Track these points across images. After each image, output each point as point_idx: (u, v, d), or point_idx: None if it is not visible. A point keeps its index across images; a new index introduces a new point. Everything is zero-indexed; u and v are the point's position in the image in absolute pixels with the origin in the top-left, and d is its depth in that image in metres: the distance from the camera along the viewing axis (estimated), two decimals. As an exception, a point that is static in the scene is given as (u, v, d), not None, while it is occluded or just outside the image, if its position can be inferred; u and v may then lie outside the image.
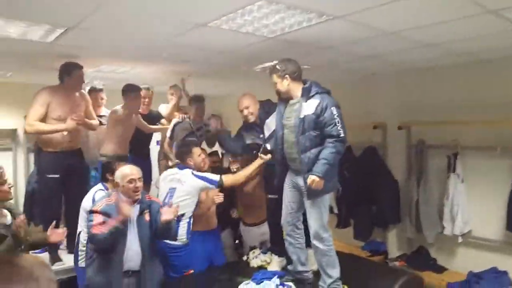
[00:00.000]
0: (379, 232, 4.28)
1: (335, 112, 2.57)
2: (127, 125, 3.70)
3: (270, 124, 3.24)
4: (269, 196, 3.52)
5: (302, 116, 2.63)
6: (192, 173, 3.16)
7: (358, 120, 3.99)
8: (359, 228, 4.26)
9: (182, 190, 3.08)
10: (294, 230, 2.96)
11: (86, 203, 2.99)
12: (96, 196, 3.00)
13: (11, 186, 2.59)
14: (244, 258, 3.54)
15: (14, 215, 2.54)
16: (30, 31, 2.44)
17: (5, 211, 2.50)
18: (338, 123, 2.56)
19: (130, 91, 3.59)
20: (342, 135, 2.56)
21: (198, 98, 3.96)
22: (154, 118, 4.17)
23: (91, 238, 2.53)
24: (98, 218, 2.53)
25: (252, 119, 3.36)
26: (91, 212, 2.60)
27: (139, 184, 2.68)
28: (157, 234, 2.74)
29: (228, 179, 3.21)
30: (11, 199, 2.62)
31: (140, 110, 3.87)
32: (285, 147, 2.83)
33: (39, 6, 2.02)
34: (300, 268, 3.00)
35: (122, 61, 3.50)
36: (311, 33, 2.51)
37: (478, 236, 3.52)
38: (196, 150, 3.33)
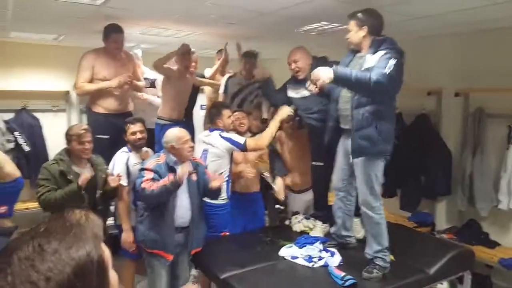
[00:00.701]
0: (427, 204, 4.13)
1: (392, 62, 2.32)
2: (180, 86, 3.72)
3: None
4: (314, 163, 3.48)
5: (363, 69, 2.46)
6: (220, 135, 3.19)
7: (411, 85, 3.75)
8: (406, 198, 4.13)
9: (212, 152, 3.13)
10: (346, 196, 2.91)
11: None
12: (117, 157, 3.11)
13: (87, 148, 2.77)
14: (287, 222, 3.57)
15: (96, 169, 2.83)
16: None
17: (88, 164, 2.82)
18: (389, 67, 2.31)
19: (182, 50, 3.63)
20: (385, 71, 2.30)
21: (249, 54, 3.90)
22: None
23: (140, 192, 2.62)
24: (148, 175, 2.63)
25: (300, 75, 3.24)
26: (142, 169, 2.69)
27: (192, 144, 2.81)
28: (205, 194, 2.86)
29: (251, 143, 3.19)
30: (86, 157, 2.83)
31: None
32: (340, 103, 2.70)
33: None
34: (343, 232, 2.97)
35: (169, 23, 3.47)
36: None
37: (536, 212, 3.30)
38: (226, 112, 3.32)
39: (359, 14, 2.52)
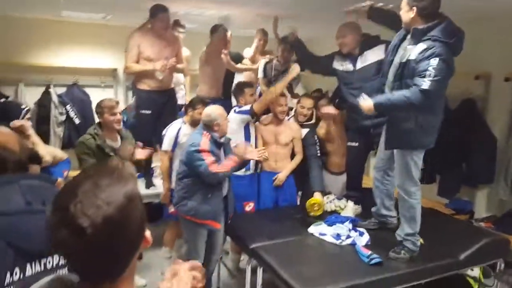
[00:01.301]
0: (467, 191, 3.98)
1: (433, 63, 2.23)
2: (217, 64, 3.82)
3: (368, 56, 3.13)
4: (349, 143, 3.47)
5: (404, 60, 2.40)
6: (234, 110, 3.36)
7: (457, 69, 3.60)
8: (445, 184, 4.01)
9: (231, 128, 3.18)
10: (384, 176, 2.90)
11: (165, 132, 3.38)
12: (169, 129, 3.38)
13: (119, 119, 2.93)
14: (318, 202, 3.61)
15: (125, 141, 2.98)
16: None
17: (118, 136, 2.96)
18: (429, 76, 2.24)
19: (216, 30, 3.75)
20: (424, 87, 2.24)
21: (286, 40, 3.88)
22: (233, 59, 4.23)
23: (211, 176, 2.74)
24: (209, 157, 2.76)
25: (345, 49, 3.23)
26: (199, 151, 2.77)
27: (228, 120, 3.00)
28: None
29: (257, 105, 3.33)
30: (118, 129, 2.97)
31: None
32: (387, 85, 2.62)
33: None
34: (384, 211, 2.96)
35: (208, 2, 3.54)
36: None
37: None
38: (248, 91, 3.50)
39: None
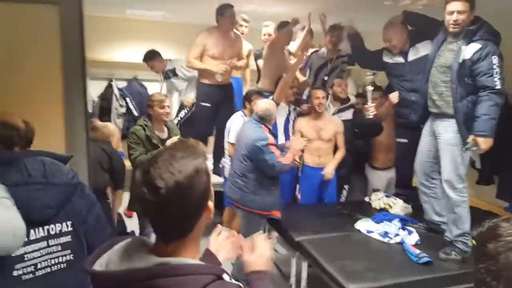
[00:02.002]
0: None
1: (495, 61, 2.31)
2: (279, 59, 3.88)
3: (420, 49, 3.14)
4: (398, 140, 3.40)
5: (461, 61, 2.42)
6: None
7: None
8: (504, 186, 3.78)
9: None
10: (429, 180, 2.85)
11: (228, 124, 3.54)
12: (233, 121, 3.50)
13: (168, 112, 3.12)
14: (366, 199, 3.58)
15: (170, 132, 3.14)
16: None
17: (165, 128, 3.13)
18: (496, 74, 2.31)
19: (282, 27, 3.84)
20: (498, 86, 2.32)
21: (335, 27, 3.89)
22: None
23: (279, 167, 2.85)
24: (277, 150, 2.90)
25: (394, 50, 3.27)
26: (267, 145, 2.86)
27: None
28: None
29: (276, 95, 3.37)
30: (166, 121, 3.15)
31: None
32: (429, 86, 2.67)
33: None
34: (435, 217, 2.90)
35: (264, 1, 3.61)
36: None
37: None
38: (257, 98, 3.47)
39: None
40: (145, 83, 5.32)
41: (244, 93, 4.01)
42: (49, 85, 1.98)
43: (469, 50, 2.38)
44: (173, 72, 4.54)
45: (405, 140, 3.34)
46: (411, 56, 3.19)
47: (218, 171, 3.98)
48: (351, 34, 3.66)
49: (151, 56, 4.41)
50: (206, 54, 3.69)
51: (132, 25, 5.16)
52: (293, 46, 4.32)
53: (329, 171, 3.43)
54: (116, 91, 5.16)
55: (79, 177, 1.56)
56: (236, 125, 3.47)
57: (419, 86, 2.95)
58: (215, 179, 3.88)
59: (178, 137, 3.09)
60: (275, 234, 3.10)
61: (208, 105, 3.80)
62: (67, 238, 1.47)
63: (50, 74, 1.97)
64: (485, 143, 2.38)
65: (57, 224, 1.44)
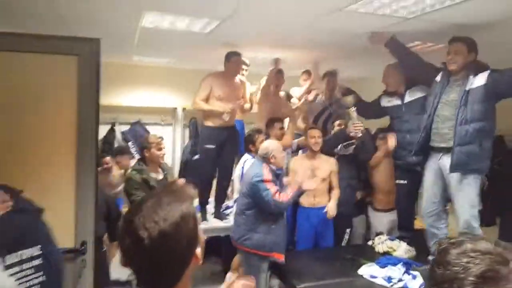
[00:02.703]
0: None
1: None
2: (275, 103, 4.06)
3: (416, 91, 3.25)
4: (398, 181, 3.44)
5: (467, 89, 2.60)
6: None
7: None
8: (506, 227, 3.80)
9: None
10: (437, 220, 2.86)
11: (237, 171, 3.56)
12: (245, 164, 3.49)
13: (164, 154, 3.19)
14: (370, 242, 3.55)
15: (166, 174, 3.18)
16: (193, 24, 2.91)
17: (160, 169, 3.17)
18: None
19: (277, 72, 4.05)
20: None
21: (330, 73, 4.07)
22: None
23: (277, 204, 2.85)
24: (273, 187, 2.88)
25: (389, 88, 3.42)
26: (263, 181, 2.89)
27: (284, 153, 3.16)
28: None
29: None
30: (162, 162, 3.20)
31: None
32: (436, 122, 2.77)
33: (201, 2, 2.39)
34: None
35: (264, 47, 3.82)
36: (454, 12, 2.34)
37: None
38: (259, 137, 3.59)
39: (468, 40, 2.63)
40: (148, 127, 5.44)
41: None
42: (62, 134, 2.05)
43: (479, 79, 2.57)
44: None
45: (404, 181, 3.38)
46: (408, 98, 3.31)
47: (219, 215, 3.98)
48: (345, 91, 3.82)
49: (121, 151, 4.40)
50: (213, 95, 3.78)
51: (139, 71, 5.35)
52: (296, 91, 4.54)
53: (332, 208, 3.36)
54: (118, 135, 5.25)
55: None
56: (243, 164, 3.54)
57: (415, 127, 3.08)
58: (216, 223, 3.89)
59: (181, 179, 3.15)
60: (276, 282, 3.03)
61: (213, 146, 3.83)
62: (39, 261, 1.59)
63: (63, 123, 2.04)
64: None
65: (29, 249, 1.57)
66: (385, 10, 2.40)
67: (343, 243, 3.61)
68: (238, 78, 4.01)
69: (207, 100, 3.78)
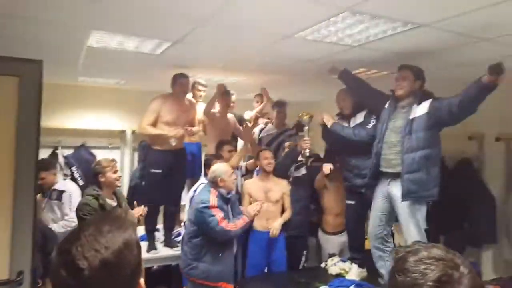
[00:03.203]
0: (473, 252, 3.96)
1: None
2: (223, 125, 4.02)
3: (358, 118, 3.41)
4: (347, 202, 3.52)
5: (411, 118, 2.71)
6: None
7: (452, 130, 3.79)
8: (449, 245, 3.82)
9: None
10: (383, 243, 2.94)
11: (190, 194, 3.44)
12: (198, 188, 3.37)
13: (120, 176, 3.06)
14: (323, 265, 3.57)
15: (119, 199, 3.04)
16: (143, 45, 2.84)
17: (113, 196, 3.02)
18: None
19: (223, 94, 4.04)
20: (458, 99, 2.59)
21: (279, 103, 4.14)
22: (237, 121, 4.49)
23: (221, 232, 2.76)
24: (219, 213, 2.80)
25: (344, 111, 3.54)
26: (209, 207, 2.82)
27: (235, 176, 3.09)
28: None
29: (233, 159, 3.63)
30: (118, 186, 3.07)
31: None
32: (384, 147, 2.87)
33: (151, 23, 2.35)
34: None
35: (216, 70, 3.82)
36: (397, 41, 2.50)
37: None
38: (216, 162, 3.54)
39: (413, 68, 2.79)
40: (94, 150, 5.18)
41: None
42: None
43: (421, 108, 2.69)
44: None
45: (352, 202, 3.48)
46: (352, 124, 3.46)
47: (170, 242, 3.83)
48: (299, 126, 3.93)
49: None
50: (161, 121, 3.68)
51: (85, 92, 5.14)
52: (249, 114, 4.58)
53: (275, 227, 3.33)
54: (61, 160, 4.94)
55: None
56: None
57: (358, 150, 3.24)
58: (166, 251, 3.74)
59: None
60: None
61: (159, 171, 3.70)
62: None
63: (0, 146, 1.89)
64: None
65: None
66: (332, 38, 2.50)
67: (301, 266, 3.61)
68: (187, 100, 3.93)
69: (155, 123, 3.67)
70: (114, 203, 2.99)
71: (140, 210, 3.08)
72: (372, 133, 3.15)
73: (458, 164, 3.97)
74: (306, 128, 3.59)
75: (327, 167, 3.58)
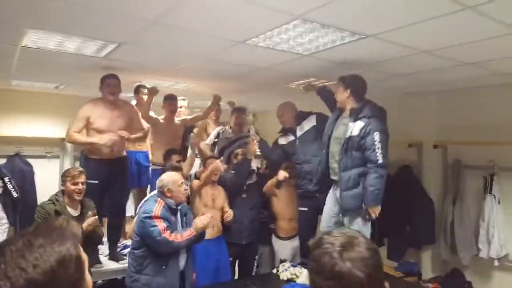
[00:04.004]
0: (413, 253, 4.18)
1: (377, 138, 2.68)
2: (172, 131, 3.89)
3: (304, 125, 3.57)
4: (300, 208, 3.57)
5: (347, 136, 2.77)
6: None
7: (393, 138, 3.98)
8: (392, 248, 4.17)
9: None
10: None
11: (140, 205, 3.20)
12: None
13: (80, 189, 2.87)
14: (274, 270, 3.57)
15: (84, 212, 2.91)
16: (85, 46, 2.68)
17: (79, 206, 2.93)
18: (378, 149, 2.66)
19: (167, 99, 3.97)
20: (380, 161, 2.66)
21: (238, 109, 4.13)
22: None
23: (163, 243, 2.62)
24: (162, 223, 2.66)
25: (286, 125, 3.71)
26: (151, 217, 2.68)
27: (186, 186, 2.95)
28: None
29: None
30: (76, 199, 2.91)
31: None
32: (330, 156, 2.97)
33: (94, 23, 2.21)
34: None
35: (166, 76, 3.71)
36: (345, 51, 2.59)
37: (516, 261, 3.38)
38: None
39: (346, 77, 2.88)
40: (31, 160, 4.81)
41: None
42: None
43: (356, 128, 2.76)
44: None
45: (306, 209, 3.54)
46: (299, 132, 3.62)
47: (115, 255, 3.63)
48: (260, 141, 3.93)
49: None
50: (91, 127, 3.38)
51: (19, 97, 4.79)
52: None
53: (231, 213, 3.39)
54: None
55: None
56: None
57: (311, 156, 3.38)
58: (111, 265, 3.53)
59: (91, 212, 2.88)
60: None
61: (95, 182, 3.35)
62: None
63: None
64: (374, 211, 2.70)
65: None
66: (283, 46, 2.53)
67: (253, 273, 3.59)
68: (124, 103, 3.62)
69: (87, 132, 3.39)
70: (76, 213, 2.86)
71: (90, 221, 2.86)
72: (285, 150, 3.52)
73: (399, 170, 4.18)
74: (252, 127, 3.65)
75: (282, 174, 3.61)
